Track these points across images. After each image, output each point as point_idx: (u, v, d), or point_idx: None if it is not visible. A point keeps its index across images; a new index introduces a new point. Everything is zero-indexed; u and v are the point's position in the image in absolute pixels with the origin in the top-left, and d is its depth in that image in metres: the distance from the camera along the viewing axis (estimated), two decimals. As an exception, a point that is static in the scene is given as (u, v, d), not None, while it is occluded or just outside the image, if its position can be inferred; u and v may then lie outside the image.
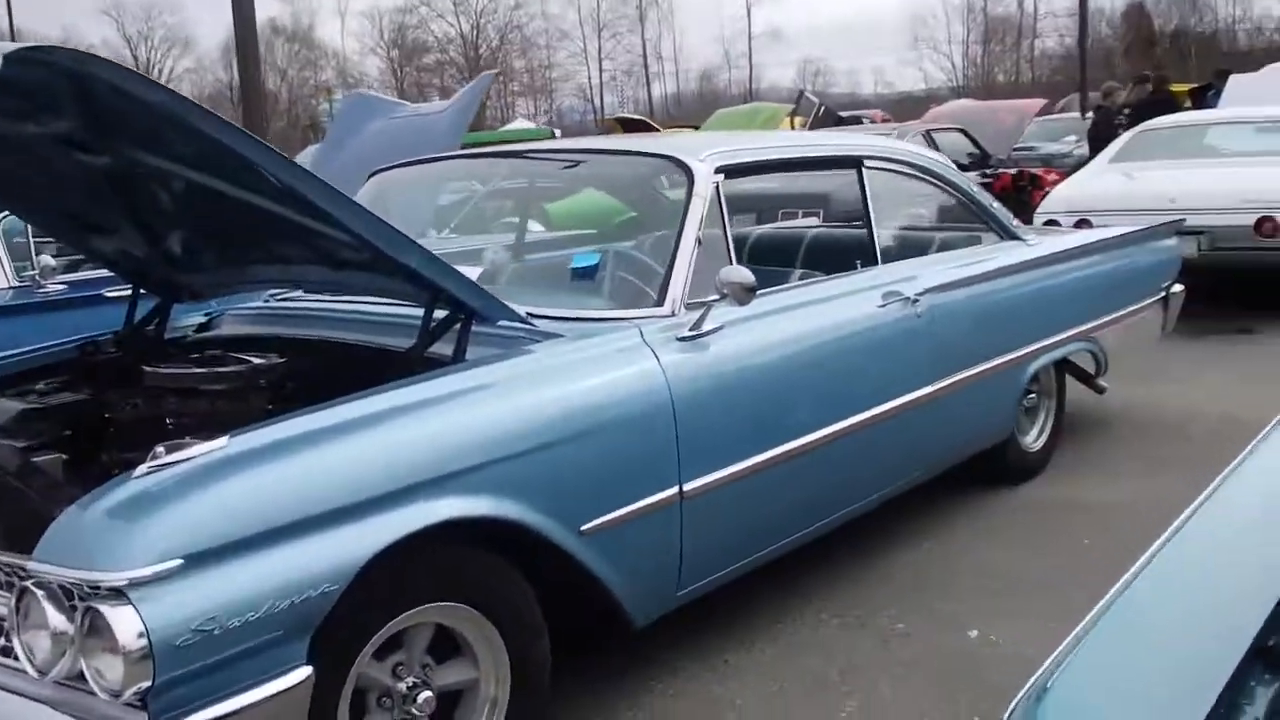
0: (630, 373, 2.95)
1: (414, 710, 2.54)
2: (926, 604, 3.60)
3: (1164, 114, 9.64)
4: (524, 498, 2.62)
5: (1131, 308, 5.18)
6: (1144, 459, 4.95)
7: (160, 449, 2.25)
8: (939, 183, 4.53)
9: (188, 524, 2.14)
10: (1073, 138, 15.78)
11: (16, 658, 2.24)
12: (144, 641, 2.02)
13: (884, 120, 19.44)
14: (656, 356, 3.00)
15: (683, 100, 56.41)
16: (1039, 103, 12.87)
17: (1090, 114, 13.61)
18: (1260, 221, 7.50)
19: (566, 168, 3.99)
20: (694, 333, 3.10)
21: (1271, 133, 8.92)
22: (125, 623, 2.02)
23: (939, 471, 4.19)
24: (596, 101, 54.90)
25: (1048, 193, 9.45)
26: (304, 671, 2.23)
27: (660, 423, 2.95)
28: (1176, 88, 13.48)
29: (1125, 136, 9.36)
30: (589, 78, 57.03)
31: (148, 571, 2.06)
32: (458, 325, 2.91)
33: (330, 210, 2.59)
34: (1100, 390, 5.16)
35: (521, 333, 3.01)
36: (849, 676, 3.17)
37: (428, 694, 2.55)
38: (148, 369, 3.06)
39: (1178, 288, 5.53)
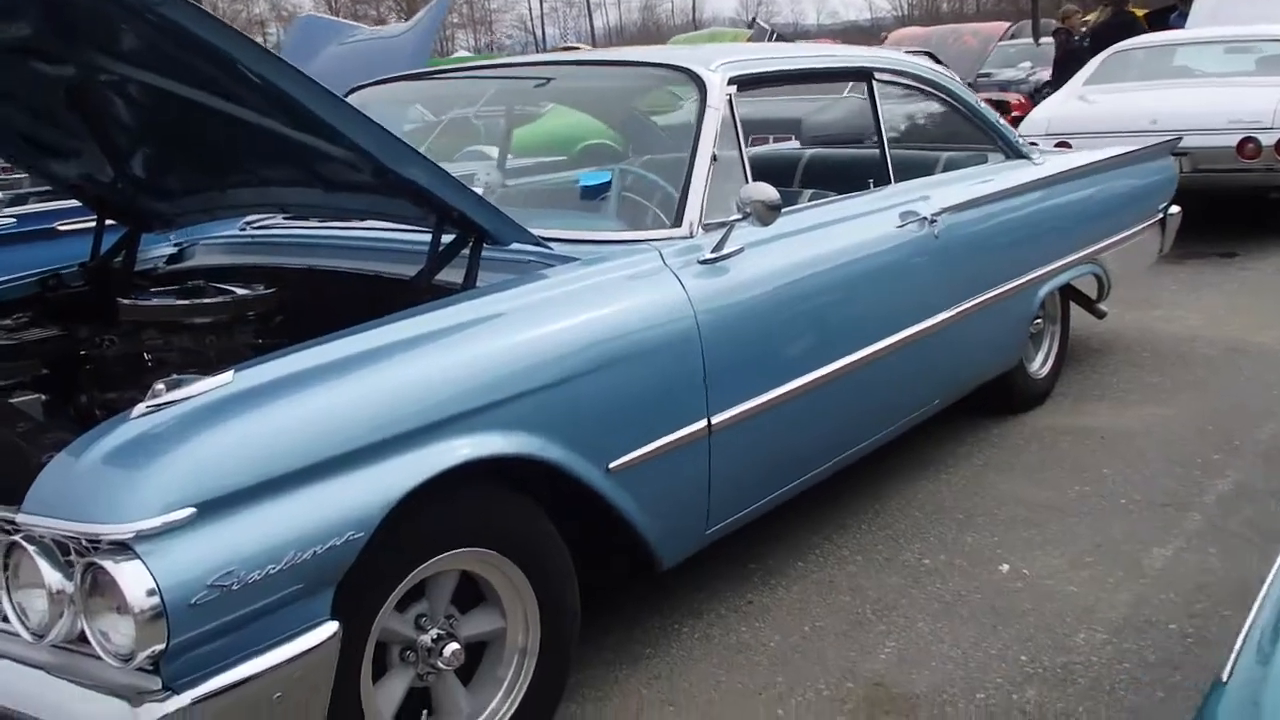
0: (654, 298, 2.73)
1: (440, 664, 2.35)
2: (950, 538, 3.46)
3: (1125, 37, 9.48)
4: (552, 434, 2.42)
5: (1133, 229, 5.04)
6: (1147, 386, 4.84)
7: (160, 385, 2.01)
8: (946, 97, 4.32)
9: (197, 468, 1.91)
10: (1028, 64, 15.64)
11: (6, 620, 2.01)
12: (155, 600, 1.79)
13: (839, 47, 19.07)
14: (679, 280, 2.79)
15: (625, 31, 55.61)
16: (1003, 25, 12.65)
17: (1045, 40, 13.43)
18: (1242, 143, 7.40)
19: (561, 82, 3.74)
20: (716, 255, 2.89)
21: (1243, 53, 8.84)
22: (133, 580, 1.79)
23: (954, 400, 4.03)
24: (538, 33, 53.88)
25: (1018, 117, 9.31)
26: (330, 627, 2.02)
27: (687, 351, 2.75)
28: (1136, 10, 13.33)
29: (1100, 58, 9.18)
30: (529, 8, 56.00)
31: (156, 522, 1.83)
32: (467, 249, 2.67)
33: (328, 119, 2.33)
34: (1101, 315, 5.03)
35: (532, 256, 2.78)
36: (883, 615, 3.02)
37: (455, 646, 2.35)
38: (125, 302, 2.79)
39: (1174, 209, 5.40)
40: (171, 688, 1.85)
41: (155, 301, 2.77)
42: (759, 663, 2.83)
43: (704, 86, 3.16)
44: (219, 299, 2.76)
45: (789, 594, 3.17)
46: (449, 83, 4.21)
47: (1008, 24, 13.05)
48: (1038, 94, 12.27)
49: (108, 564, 1.80)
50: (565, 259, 2.77)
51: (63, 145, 3.10)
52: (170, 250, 3.55)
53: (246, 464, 1.95)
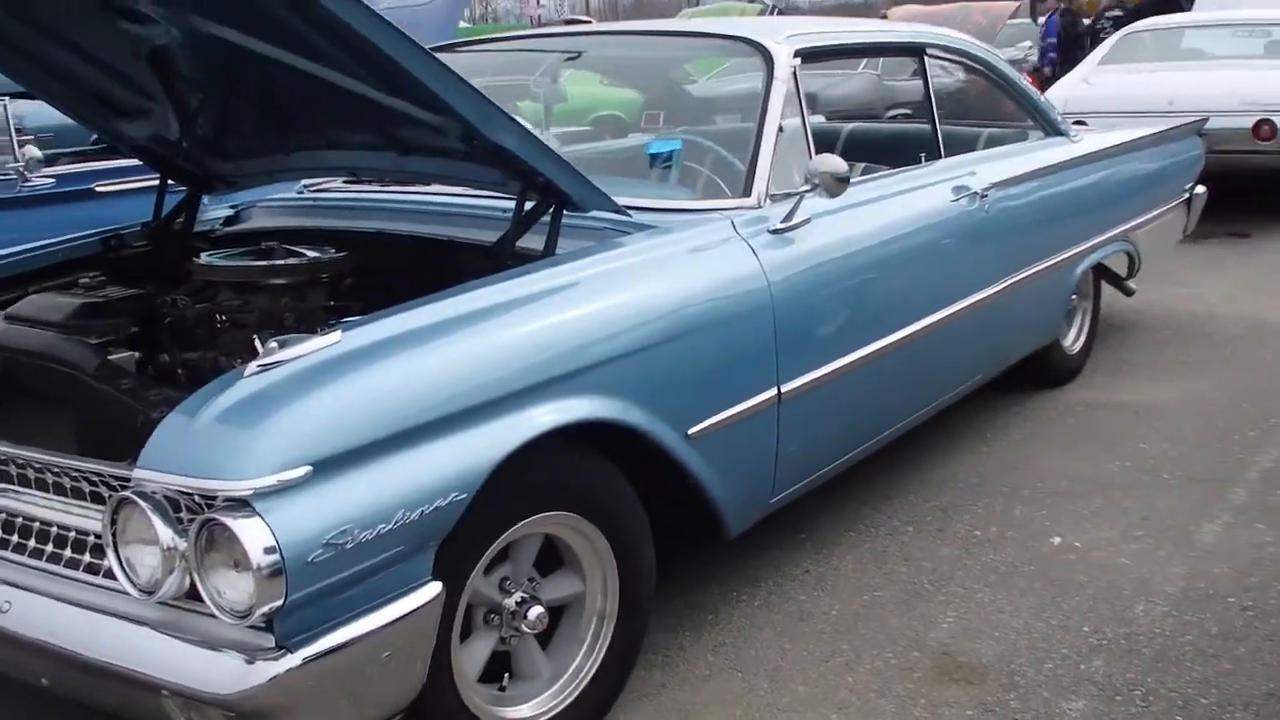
0: (729, 267, 2.75)
1: (523, 627, 2.37)
2: (999, 510, 3.49)
3: (1160, 14, 9.54)
4: (637, 401, 2.43)
5: (1162, 208, 5.08)
6: (1175, 363, 4.88)
7: (273, 344, 2.02)
8: (991, 74, 4.33)
9: (312, 427, 1.92)
10: (1027, 43, 15.61)
11: (110, 576, 2.02)
12: (275, 557, 1.80)
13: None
14: (753, 250, 2.81)
15: (619, 5, 55.23)
16: (1012, 5, 12.64)
17: (1047, 18, 13.40)
18: (1258, 124, 7.44)
19: (618, 52, 3.73)
20: (785, 225, 2.90)
21: (1252, 36, 8.87)
22: (253, 536, 1.80)
23: (996, 373, 4.07)
24: (534, 3, 53.47)
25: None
26: (434, 588, 2.04)
27: (761, 321, 2.76)
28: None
29: (1113, 39, 9.22)
30: (525, -22, 55.44)
31: (273, 480, 1.84)
32: (547, 215, 2.67)
33: (427, 83, 2.32)
34: (1129, 292, 5.06)
35: (609, 224, 2.79)
36: (941, 585, 3.05)
37: (539, 610, 2.37)
38: (200, 262, 2.78)
39: (1200, 189, 5.43)
40: (285, 646, 1.86)
41: (231, 262, 2.76)
42: (822, 631, 2.86)
43: (771, 59, 3.17)
44: (295, 261, 2.75)
45: (844, 563, 3.20)
46: (501, 55, 4.19)
47: (1016, 3, 13.02)
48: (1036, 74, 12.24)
49: (227, 520, 1.81)
50: (641, 226, 2.78)
51: (134, 106, 3.08)
52: (227, 212, 3.54)
53: (358, 424, 1.96)
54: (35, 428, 2.27)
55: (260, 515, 1.82)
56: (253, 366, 1.99)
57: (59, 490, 2.13)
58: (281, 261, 2.74)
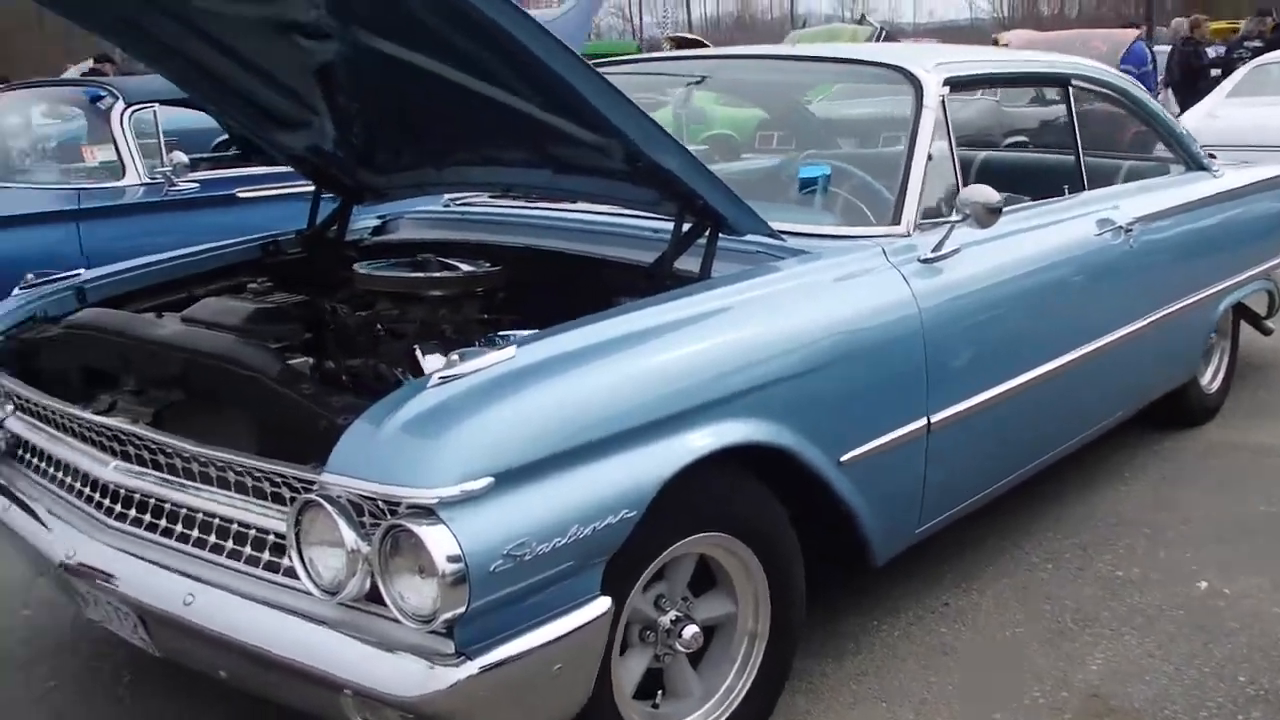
0: (882, 295, 2.74)
1: (678, 645, 2.38)
2: (1141, 550, 3.42)
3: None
4: (794, 426, 2.44)
5: (1302, 247, 4.94)
6: (1316, 405, 4.75)
7: (456, 355, 2.06)
8: (1134, 106, 4.26)
9: (493, 440, 1.95)
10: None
11: (290, 575, 2.08)
12: (460, 565, 1.84)
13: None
14: (905, 279, 2.79)
15: (721, 23, 55.44)
16: (1132, 33, 12.42)
17: (1167, 47, 13.13)
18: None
19: (760, 76, 3.74)
20: (935, 255, 2.88)
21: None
22: (439, 543, 1.84)
23: (1136, 410, 3.99)
24: (635, 21, 53.85)
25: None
26: (604, 603, 2.06)
27: (912, 350, 2.75)
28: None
29: (1242, 71, 9.02)
30: (626, -4, 55.83)
31: (457, 490, 1.88)
32: (703, 237, 2.69)
33: (597, 105, 2.35)
34: (1268, 332, 4.93)
35: (761, 248, 2.80)
36: (1085, 625, 3.00)
37: (694, 629, 2.38)
38: (361, 271, 2.85)
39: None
40: (464, 652, 1.90)
41: (392, 273, 2.83)
42: (966, 665, 2.83)
43: (920, 87, 3.16)
44: (453, 273, 2.81)
45: (984, 598, 3.16)
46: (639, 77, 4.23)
47: (1136, 30, 12.79)
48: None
49: (414, 527, 1.85)
50: (794, 251, 2.79)
51: (295, 117, 3.16)
52: (374, 222, 3.63)
53: (536, 438, 1.99)
54: (211, 427, 2.35)
55: (445, 523, 1.86)
56: (434, 378, 2.03)
57: (240, 489, 2.20)
58: (441, 273, 2.79)
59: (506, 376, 2.06)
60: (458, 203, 3.62)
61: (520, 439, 1.98)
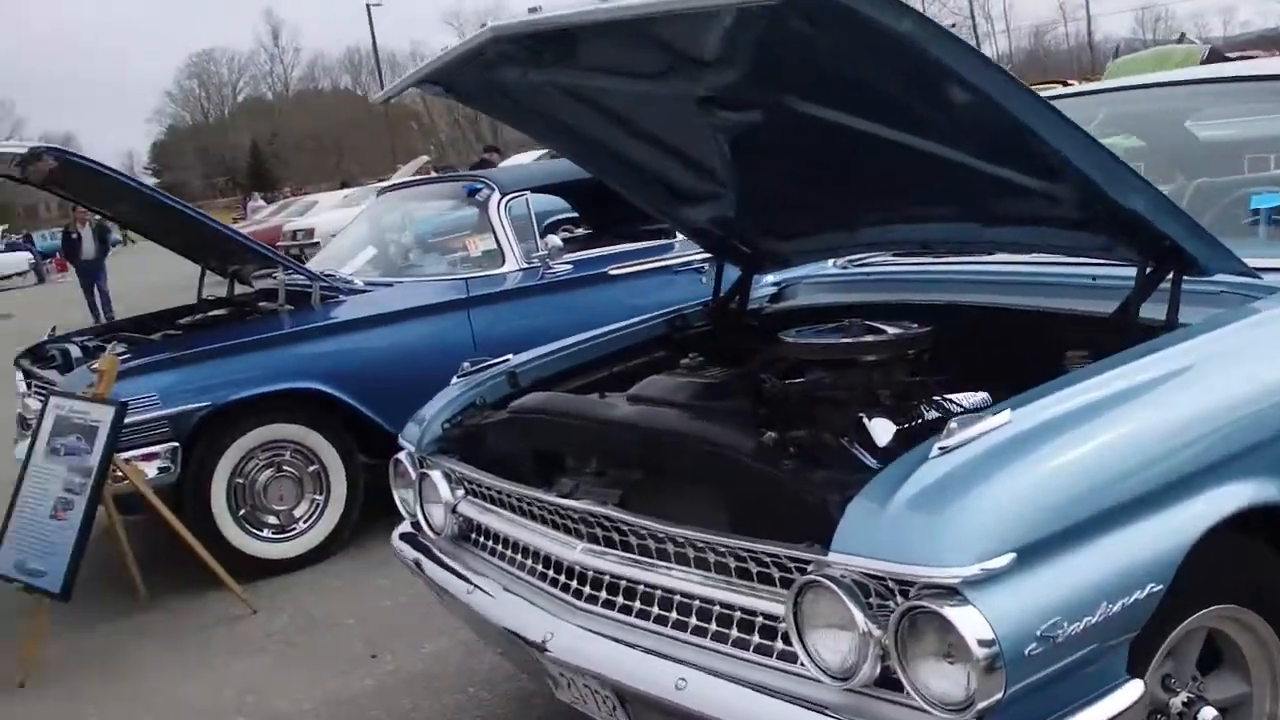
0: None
1: (1192, 730, 2.15)
2: None
3: None
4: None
5: None
6: None
7: (953, 424, 1.95)
8: None
9: (1010, 512, 1.82)
10: None
11: (785, 659, 2.02)
12: (994, 649, 1.71)
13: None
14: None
15: (1014, 58, 53.78)
16: None
17: None
18: None
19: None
20: None
21: None
22: (971, 626, 1.72)
23: None
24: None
25: None
26: (1135, 688, 1.88)
27: None
28: None
29: None
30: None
31: (977, 569, 1.75)
32: (1165, 280, 2.47)
33: (1059, 149, 2.20)
34: None
35: (1227, 287, 2.55)
36: None
37: (1212, 713, 2.14)
38: (789, 340, 2.79)
39: None
40: (997, 743, 1.77)
41: (827, 339, 2.76)
42: None
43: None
44: (888, 336, 2.71)
45: None
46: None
47: None
48: None
49: (939, 608, 1.74)
50: (1270, 289, 2.52)
51: (701, 191, 3.18)
52: (770, 290, 3.60)
53: (1053, 507, 1.85)
54: (678, 506, 2.34)
55: (973, 604, 1.74)
56: (934, 448, 1.93)
57: (720, 569, 2.16)
58: (877, 337, 2.70)
59: (1008, 443, 1.93)
60: (855, 263, 3.54)
61: (1037, 510, 1.84)
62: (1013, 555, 1.78)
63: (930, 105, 2.29)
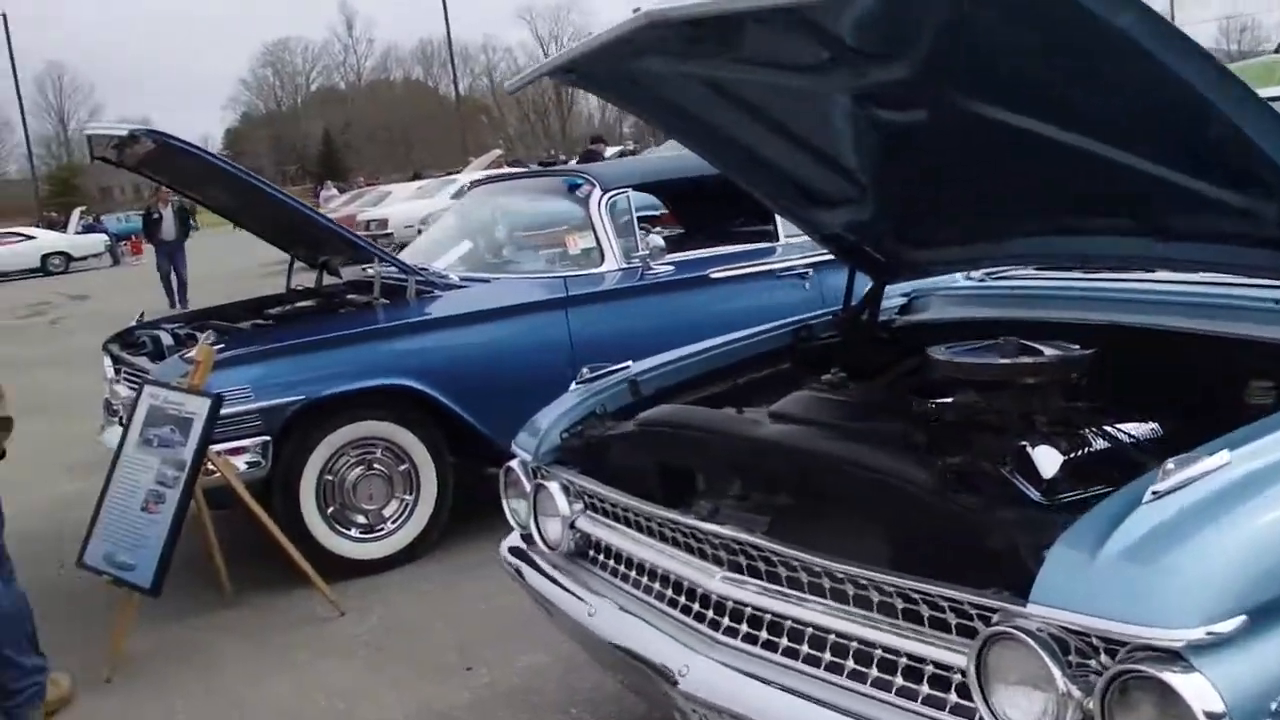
0: None
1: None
2: None
3: None
4: None
5: None
6: None
7: (1170, 464, 1.76)
8: None
9: (1240, 569, 1.62)
10: None
11: (962, 714, 1.83)
12: (1223, 721, 1.52)
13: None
14: None
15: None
16: None
17: None
18: None
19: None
20: None
21: None
22: (1199, 695, 1.53)
23: None
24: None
25: None
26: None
27: None
28: None
29: None
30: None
31: (1203, 631, 1.56)
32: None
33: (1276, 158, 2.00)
34: None
35: None
36: None
37: None
38: (940, 358, 2.60)
39: None
40: (1220, 826, 1.57)
41: (978, 358, 2.56)
42: None
43: None
44: (1048, 358, 2.50)
45: None
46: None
47: None
48: None
49: (1160, 674, 1.55)
50: None
51: (839, 195, 3.01)
52: (899, 301, 3.41)
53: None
54: (831, 537, 2.15)
55: (1200, 671, 1.54)
56: (1147, 493, 1.73)
57: (885, 610, 1.97)
58: (1038, 359, 2.50)
59: (1231, 488, 1.73)
60: (993, 275, 3.33)
61: (1268, 566, 1.64)
62: (1244, 618, 1.58)
63: (1129, 108, 2.09)
